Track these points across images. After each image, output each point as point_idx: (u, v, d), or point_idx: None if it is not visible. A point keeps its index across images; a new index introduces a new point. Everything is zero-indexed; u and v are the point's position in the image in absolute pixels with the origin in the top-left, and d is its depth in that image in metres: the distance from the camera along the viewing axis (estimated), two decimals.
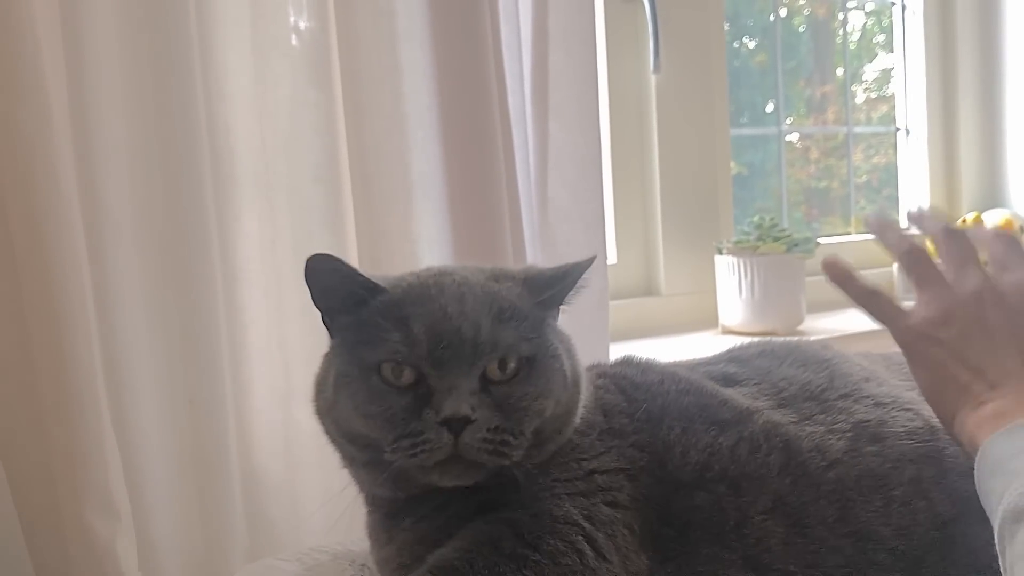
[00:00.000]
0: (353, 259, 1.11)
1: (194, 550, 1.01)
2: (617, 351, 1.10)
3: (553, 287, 0.73)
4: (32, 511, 0.91)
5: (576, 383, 0.73)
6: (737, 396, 0.78)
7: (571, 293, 0.75)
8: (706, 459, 0.71)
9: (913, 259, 0.73)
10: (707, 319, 1.64)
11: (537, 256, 1.25)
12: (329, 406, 0.71)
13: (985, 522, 0.60)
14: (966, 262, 0.71)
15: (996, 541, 0.58)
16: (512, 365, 0.68)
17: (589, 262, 0.75)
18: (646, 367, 0.81)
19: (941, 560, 0.70)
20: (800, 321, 1.59)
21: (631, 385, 0.78)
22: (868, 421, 0.75)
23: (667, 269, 1.65)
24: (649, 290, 1.67)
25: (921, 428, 0.75)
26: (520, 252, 1.18)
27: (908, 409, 0.77)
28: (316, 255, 0.69)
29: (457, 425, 0.64)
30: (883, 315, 0.73)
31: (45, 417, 0.89)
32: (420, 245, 1.13)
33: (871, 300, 0.74)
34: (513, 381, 0.68)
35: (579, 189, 1.29)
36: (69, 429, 0.88)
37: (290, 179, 1.09)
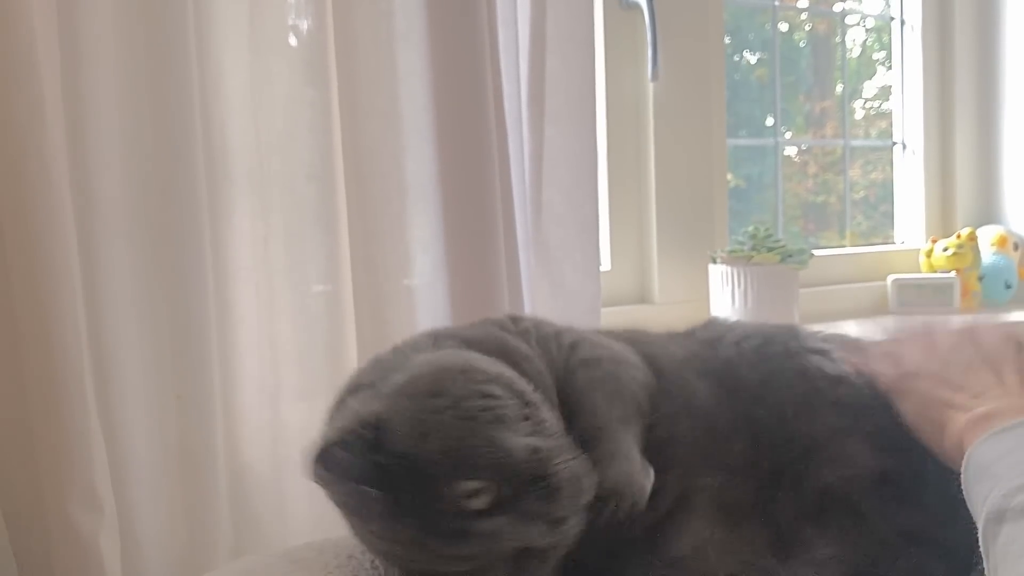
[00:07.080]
0: (346, 259, 1.11)
1: (179, 546, 1.00)
2: None
3: None
4: (15, 504, 0.91)
5: None
6: None
7: None
8: (685, 355, 0.80)
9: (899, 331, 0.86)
10: None
11: (530, 260, 1.25)
12: None
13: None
14: (945, 329, 0.81)
15: (980, 543, 0.60)
16: None
17: None
18: None
19: None
20: None
21: None
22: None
23: (661, 277, 1.64)
24: (643, 298, 1.67)
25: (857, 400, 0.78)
26: (513, 256, 1.18)
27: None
28: None
29: None
30: (868, 368, 0.80)
31: (30, 410, 0.89)
32: (413, 246, 1.14)
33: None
34: None
35: (574, 194, 1.29)
36: (55, 422, 0.88)
37: (284, 177, 1.09)
